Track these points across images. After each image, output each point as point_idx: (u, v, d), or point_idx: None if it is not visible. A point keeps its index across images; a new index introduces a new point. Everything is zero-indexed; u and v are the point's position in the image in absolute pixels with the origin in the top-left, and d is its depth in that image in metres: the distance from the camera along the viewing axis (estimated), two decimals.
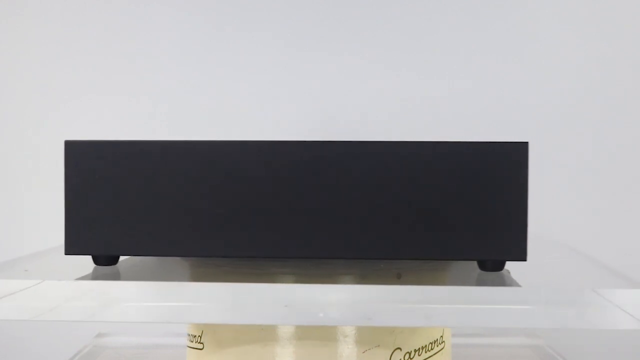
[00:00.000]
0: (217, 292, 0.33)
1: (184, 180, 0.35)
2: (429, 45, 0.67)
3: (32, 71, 0.69)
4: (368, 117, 0.67)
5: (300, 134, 0.67)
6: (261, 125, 0.68)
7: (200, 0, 0.68)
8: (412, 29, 0.67)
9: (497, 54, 0.67)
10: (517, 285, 0.33)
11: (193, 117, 0.68)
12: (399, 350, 0.37)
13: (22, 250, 0.44)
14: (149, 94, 0.68)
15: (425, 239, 0.34)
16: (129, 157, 0.35)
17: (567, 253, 0.46)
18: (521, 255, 0.34)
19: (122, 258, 0.39)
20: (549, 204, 0.66)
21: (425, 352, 0.38)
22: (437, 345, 0.39)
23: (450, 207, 0.33)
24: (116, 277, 0.36)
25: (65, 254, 0.36)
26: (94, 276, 0.36)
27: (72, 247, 0.35)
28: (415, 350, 0.38)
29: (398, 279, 0.36)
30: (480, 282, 0.34)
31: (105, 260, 0.37)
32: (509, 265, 0.36)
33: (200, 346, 0.40)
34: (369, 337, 0.37)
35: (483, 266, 0.35)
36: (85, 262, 0.37)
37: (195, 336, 0.40)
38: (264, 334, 0.37)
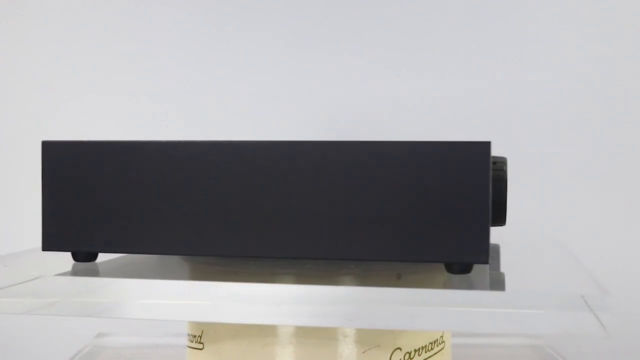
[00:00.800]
0: (217, 292, 0.33)
1: (167, 179, 0.35)
2: (429, 45, 0.67)
3: (32, 71, 0.69)
4: (368, 117, 0.67)
5: (300, 133, 0.67)
6: (261, 125, 0.68)
7: (200, 0, 0.68)
8: (412, 29, 0.67)
9: (497, 54, 0.67)
10: (501, 289, 0.33)
11: (193, 117, 0.68)
12: (399, 350, 0.37)
13: (23, 249, 0.44)
14: (149, 94, 0.68)
15: (386, 240, 0.33)
16: (105, 156, 0.35)
17: (566, 255, 0.46)
18: (483, 258, 0.32)
19: (120, 256, 0.40)
20: (549, 204, 0.66)
21: (425, 352, 0.38)
22: (437, 346, 0.39)
23: (410, 208, 0.33)
24: (114, 274, 0.37)
25: (43, 250, 0.36)
26: (74, 272, 0.36)
27: (50, 244, 0.36)
28: (415, 351, 0.38)
29: (398, 279, 0.36)
30: (461, 286, 0.33)
31: (84, 256, 0.37)
32: (506, 268, 0.35)
33: (200, 346, 0.40)
34: (369, 337, 0.37)
35: (450, 269, 0.34)
36: (65, 259, 0.37)
37: (195, 336, 0.40)
38: (264, 334, 0.37)
